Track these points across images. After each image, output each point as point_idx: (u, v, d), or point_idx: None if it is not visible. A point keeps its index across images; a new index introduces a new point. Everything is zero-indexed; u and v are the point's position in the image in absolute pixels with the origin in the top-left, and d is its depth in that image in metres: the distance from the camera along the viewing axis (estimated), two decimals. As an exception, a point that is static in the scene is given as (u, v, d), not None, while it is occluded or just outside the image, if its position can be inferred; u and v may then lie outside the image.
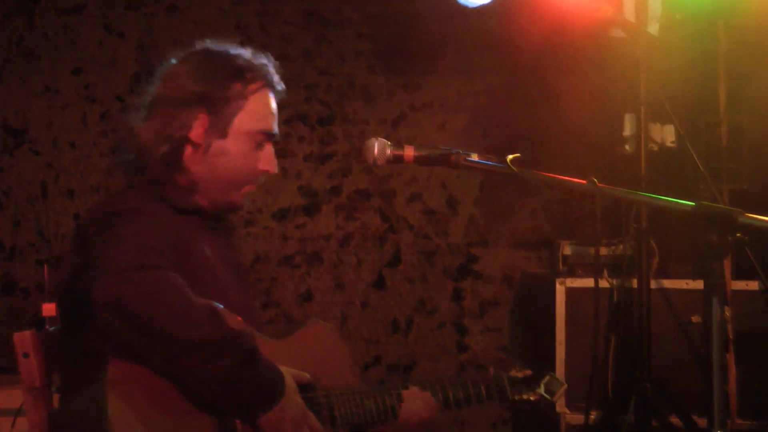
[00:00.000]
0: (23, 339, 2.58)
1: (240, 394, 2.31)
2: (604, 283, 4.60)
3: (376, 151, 2.63)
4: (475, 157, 2.67)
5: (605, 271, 4.63)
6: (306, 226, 5.58)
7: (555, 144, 5.44)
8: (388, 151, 2.64)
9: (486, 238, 5.67)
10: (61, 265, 2.51)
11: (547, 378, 3.05)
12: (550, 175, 2.65)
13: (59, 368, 2.57)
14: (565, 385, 3.07)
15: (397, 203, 5.66)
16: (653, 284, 4.45)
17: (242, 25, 5.63)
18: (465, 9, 4.85)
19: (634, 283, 4.42)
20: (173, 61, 2.79)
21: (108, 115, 5.60)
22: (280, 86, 2.79)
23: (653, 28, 4.50)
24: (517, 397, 2.99)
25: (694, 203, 2.42)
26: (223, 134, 2.66)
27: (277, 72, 2.81)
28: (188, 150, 2.65)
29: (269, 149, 2.74)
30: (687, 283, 4.59)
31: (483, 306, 5.65)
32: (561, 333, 4.59)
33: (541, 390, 3.01)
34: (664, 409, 4.25)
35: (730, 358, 4.46)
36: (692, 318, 4.54)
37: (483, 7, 4.81)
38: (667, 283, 4.60)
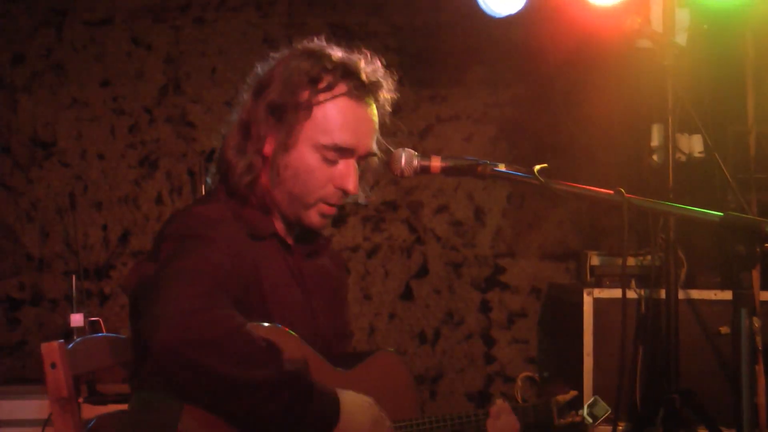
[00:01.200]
0: (50, 349, 2.58)
1: (298, 427, 2.26)
2: (631, 294, 4.58)
3: (403, 162, 2.60)
4: (502, 168, 2.66)
5: (633, 282, 4.61)
6: (333, 237, 5.59)
7: (582, 154, 5.44)
8: (416, 162, 2.61)
9: (513, 249, 5.66)
10: (138, 268, 2.42)
11: (592, 400, 3.01)
12: (578, 185, 2.63)
13: (129, 369, 2.54)
14: (610, 411, 3.01)
15: (425, 215, 5.66)
16: (681, 295, 4.43)
17: (269, 37, 5.65)
18: (491, 20, 4.85)
19: (662, 293, 4.40)
20: (263, 63, 2.66)
21: (136, 127, 5.63)
22: (377, 94, 2.62)
23: (681, 39, 4.48)
24: (561, 422, 2.96)
25: (721, 214, 2.41)
26: (286, 147, 2.52)
27: (381, 78, 2.63)
28: (260, 163, 2.53)
29: (345, 165, 2.56)
30: (715, 294, 4.57)
31: (510, 317, 5.64)
32: (589, 344, 4.58)
33: (584, 412, 2.97)
34: (692, 420, 4.22)
35: (759, 369, 4.43)
36: (720, 329, 4.51)
37: (509, 18, 4.81)
38: (695, 294, 4.58)
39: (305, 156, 2.52)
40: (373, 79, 2.61)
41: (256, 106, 2.55)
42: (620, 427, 4.41)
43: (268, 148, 2.53)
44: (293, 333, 2.37)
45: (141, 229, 5.59)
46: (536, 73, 5.52)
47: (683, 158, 4.69)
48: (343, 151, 2.55)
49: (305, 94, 2.52)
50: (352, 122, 2.56)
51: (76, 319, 4.62)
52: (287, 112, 2.51)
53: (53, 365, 2.56)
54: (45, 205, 5.58)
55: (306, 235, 2.68)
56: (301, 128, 2.52)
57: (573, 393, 2.98)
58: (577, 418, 2.95)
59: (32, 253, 5.57)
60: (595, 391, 4.53)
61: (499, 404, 2.79)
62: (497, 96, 5.68)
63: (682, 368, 4.27)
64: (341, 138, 2.54)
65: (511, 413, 2.78)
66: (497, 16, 4.77)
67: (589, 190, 2.63)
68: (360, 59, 2.61)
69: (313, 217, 2.57)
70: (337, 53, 2.60)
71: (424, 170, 2.64)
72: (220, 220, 2.44)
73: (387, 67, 2.68)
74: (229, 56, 5.65)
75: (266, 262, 2.49)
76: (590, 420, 2.96)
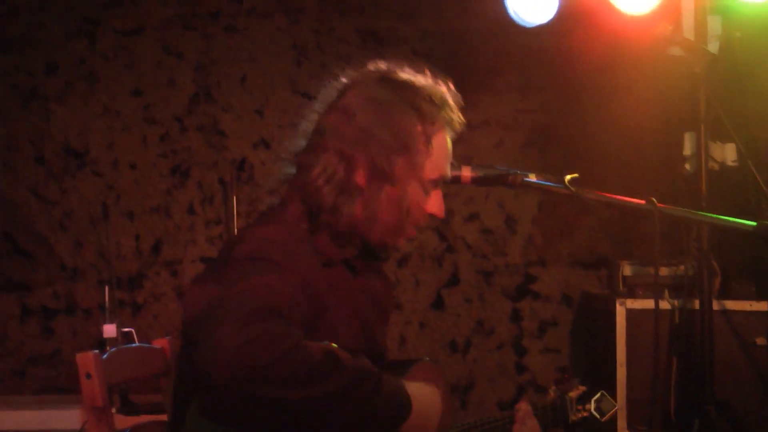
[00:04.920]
0: (86, 359, 2.59)
1: (377, 420, 2.27)
2: (664, 304, 4.56)
3: (433, 172, 2.60)
4: (532, 177, 2.66)
5: (666, 292, 4.58)
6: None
7: (613, 163, 5.41)
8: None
9: (545, 258, 5.64)
10: (198, 288, 2.37)
11: (598, 395, 3.02)
12: (609, 195, 2.63)
13: (175, 396, 2.48)
14: (617, 406, 3.02)
15: (455, 223, 5.64)
16: (715, 305, 4.39)
17: (299, 44, 5.66)
18: (521, 27, 4.84)
19: (696, 304, 4.38)
20: (344, 81, 2.55)
21: (167, 136, 5.65)
22: (460, 121, 2.55)
23: (713, 46, 4.46)
24: (573, 418, 2.97)
25: (755, 223, 2.40)
26: (394, 181, 2.44)
27: (456, 101, 2.57)
28: (352, 194, 2.44)
29: (438, 192, 2.53)
30: (750, 305, 4.54)
31: (542, 326, 5.61)
32: (622, 354, 4.55)
33: (591, 407, 2.98)
34: (727, 432, 4.20)
35: (795, 380, 4.40)
36: (756, 340, 4.48)
37: (540, 26, 4.80)
38: (730, 304, 4.54)
39: (410, 188, 2.47)
40: (455, 105, 2.58)
41: (350, 134, 2.45)
42: (654, 439, 4.39)
43: (361, 179, 2.44)
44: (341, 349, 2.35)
45: (173, 239, 5.61)
46: (567, 80, 5.50)
47: (716, 167, 4.67)
48: (442, 181, 2.53)
49: (416, 129, 2.47)
50: (449, 152, 2.55)
51: (109, 329, 4.63)
52: (395, 147, 2.44)
53: (88, 375, 2.57)
54: (78, 215, 5.60)
55: (367, 254, 2.61)
56: (411, 162, 2.45)
57: (582, 388, 3.00)
58: (585, 413, 2.97)
59: (66, 262, 5.60)
60: (629, 403, 4.51)
61: (524, 408, 2.80)
62: (527, 103, 5.67)
63: (717, 379, 4.24)
64: (444, 171, 2.52)
65: (533, 417, 2.79)
66: (528, 25, 4.76)
67: (620, 199, 2.63)
68: (440, 83, 2.58)
69: (400, 243, 2.55)
70: (425, 79, 2.56)
71: (455, 180, 2.64)
72: (291, 244, 2.38)
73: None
74: (259, 63, 5.66)
75: (334, 290, 2.44)
76: (598, 415, 2.98)
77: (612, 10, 4.50)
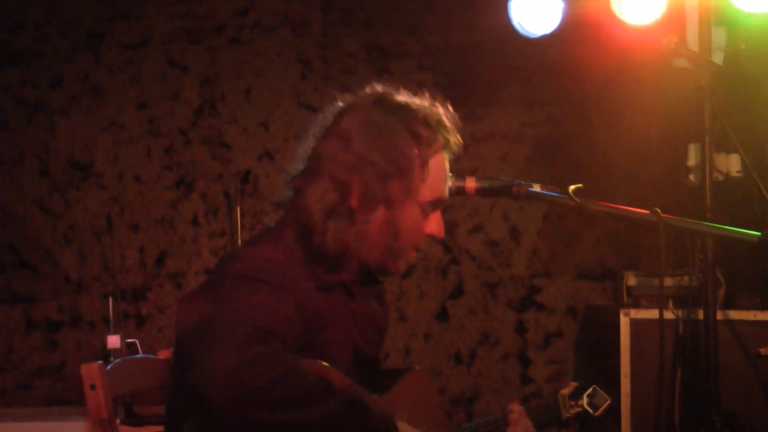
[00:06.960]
0: (90, 370, 2.61)
1: None
2: (669, 315, 4.55)
3: (437, 183, 2.60)
4: (537, 188, 2.66)
5: (670, 303, 4.58)
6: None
7: (618, 174, 5.40)
8: (450, 183, 2.61)
9: (549, 270, 5.64)
10: (191, 304, 2.37)
11: (590, 390, 3.01)
12: (613, 206, 2.63)
13: (169, 413, 2.48)
14: (610, 400, 3.02)
15: (460, 234, 5.64)
16: (720, 316, 4.38)
17: (304, 57, 5.67)
18: (526, 39, 4.85)
19: (700, 314, 4.37)
20: (340, 105, 2.55)
21: (172, 148, 5.65)
22: (457, 142, 2.56)
23: (717, 58, 4.46)
24: (566, 416, 2.97)
25: (760, 233, 2.39)
26: (388, 204, 2.44)
27: (453, 121, 2.57)
28: (352, 224, 2.43)
29: (437, 213, 2.54)
30: (755, 315, 4.53)
31: (546, 338, 5.61)
32: (626, 365, 4.54)
33: (584, 402, 2.98)
34: (733, 443, 4.19)
35: (800, 390, 4.39)
36: (760, 350, 4.47)
37: (544, 38, 4.81)
38: (734, 315, 4.53)
39: (410, 213, 2.48)
40: (452, 126, 2.57)
41: (346, 160, 2.44)
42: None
43: (357, 204, 2.44)
44: (334, 368, 2.36)
45: (177, 251, 5.61)
46: (572, 92, 5.51)
47: (721, 178, 4.66)
48: (440, 203, 2.54)
49: (413, 152, 2.46)
50: (446, 174, 2.55)
51: (113, 341, 4.63)
52: (391, 172, 2.43)
53: (93, 386, 2.58)
54: (83, 228, 5.61)
55: (367, 278, 2.62)
56: (408, 186, 2.45)
57: (574, 384, 3.00)
58: (578, 409, 2.96)
59: (70, 275, 5.60)
60: (634, 414, 4.50)
61: (517, 410, 2.81)
62: (533, 115, 5.67)
63: (722, 390, 4.23)
64: (442, 192, 2.53)
65: (527, 417, 2.80)
66: (532, 36, 4.77)
67: (625, 210, 2.63)
68: (437, 104, 2.57)
69: (400, 265, 2.57)
70: (422, 101, 2.55)
71: (459, 191, 2.64)
72: (285, 265, 2.38)
73: (420, 86, 2.66)
74: (264, 76, 5.67)
75: (331, 313, 2.45)
76: (591, 410, 2.97)
77: (616, 21, 4.50)
